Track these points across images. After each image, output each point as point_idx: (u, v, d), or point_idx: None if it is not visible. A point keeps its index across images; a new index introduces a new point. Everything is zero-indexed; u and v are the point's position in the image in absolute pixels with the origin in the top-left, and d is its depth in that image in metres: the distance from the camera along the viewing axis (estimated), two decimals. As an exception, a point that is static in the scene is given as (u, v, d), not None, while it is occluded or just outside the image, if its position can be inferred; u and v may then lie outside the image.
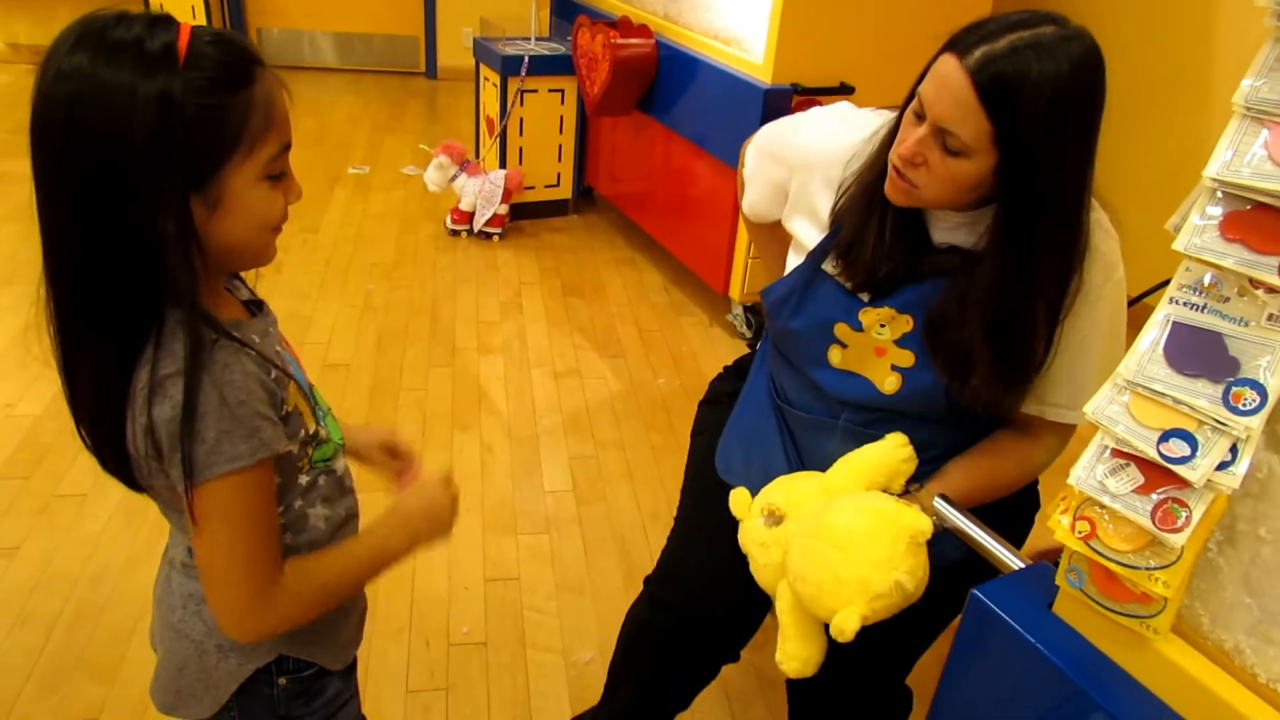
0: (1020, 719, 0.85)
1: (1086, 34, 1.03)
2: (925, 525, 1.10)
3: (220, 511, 0.86)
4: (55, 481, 2.30)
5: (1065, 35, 1.02)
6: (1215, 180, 0.62)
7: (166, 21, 0.80)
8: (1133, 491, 0.71)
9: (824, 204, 1.30)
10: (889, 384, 1.26)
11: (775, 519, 1.22)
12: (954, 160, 1.07)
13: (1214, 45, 3.13)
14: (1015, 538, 1.35)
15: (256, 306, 0.99)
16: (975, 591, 0.88)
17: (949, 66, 1.03)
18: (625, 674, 1.53)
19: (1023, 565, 1.00)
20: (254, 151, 0.83)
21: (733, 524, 1.29)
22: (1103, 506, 0.73)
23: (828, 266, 1.27)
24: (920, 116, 1.08)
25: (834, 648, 1.19)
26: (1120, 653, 0.80)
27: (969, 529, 1.14)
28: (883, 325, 1.24)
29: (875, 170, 1.20)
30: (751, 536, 1.25)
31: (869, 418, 1.29)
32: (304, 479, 0.99)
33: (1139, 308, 1.65)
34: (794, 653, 1.20)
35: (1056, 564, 0.84)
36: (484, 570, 2.14)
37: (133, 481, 0.90)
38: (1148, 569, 0.71)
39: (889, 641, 1.22)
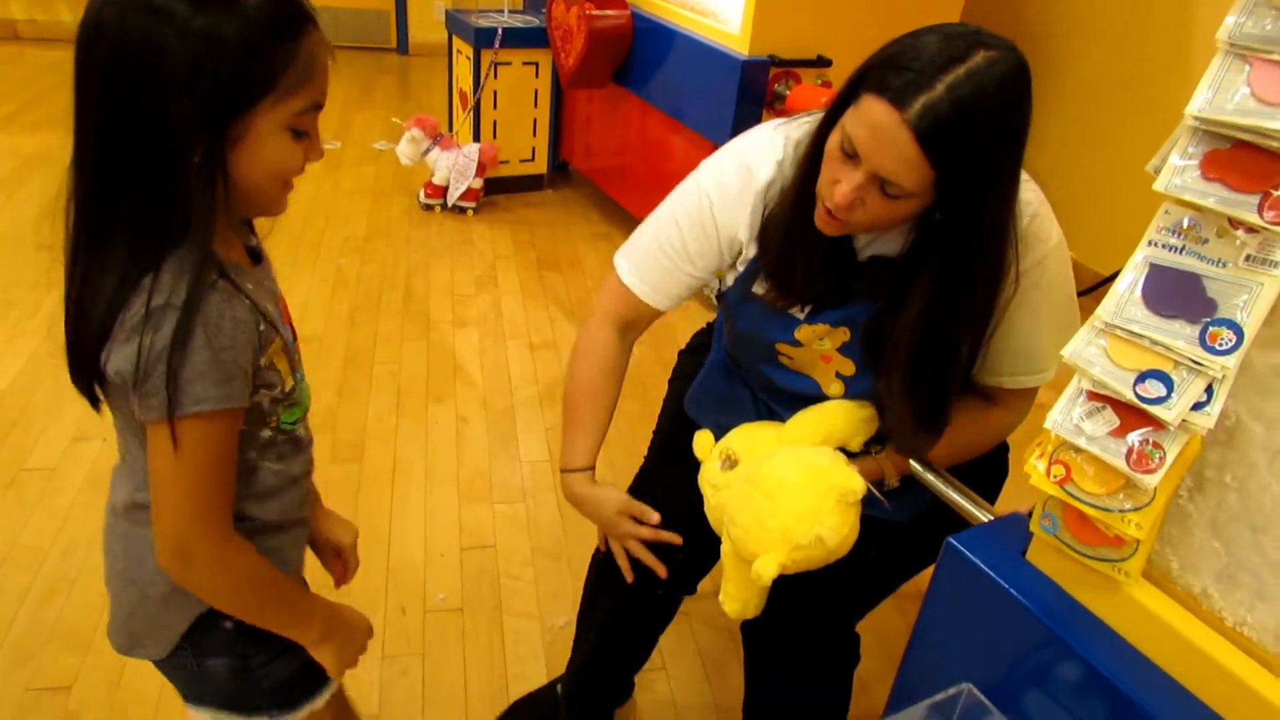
0: (994, 663, 0.86)
1: (1014, 50, 0.99)
2: (856, 485, 1.12)
3: (186, 448, 0.87)
4: (23, 455, 2.27)
5: (993, 59, 0.97)
6: (1197, 118, 0.63)
7: None
8: (1108, 434, 0.72)
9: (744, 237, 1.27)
10: (833, 389, 1.29)
11: (730, 463, 1.26)
12: (894, 202, 1.04)
13: (1190, 42, 3.16)
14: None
15: (257, 256, 1.00)
16: (950, 540, 0.89)
17: (886, 117, 0.97)
18: (591, 615, 1.56)
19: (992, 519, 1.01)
20: (285, 100, 0.86)
21: (695, 464, 1.33)
22: (1078, 450, 0.74)
23: (757, 289, 1.27)
24: (851, 156, 1.03)
25: (785, 594, 1.23)
26: (1092, 598, 0.82)
27: (943, 487, 1.16)
28: (822, 338, 1.25)
29: (798, 197, 1.16)
30: (707, 478, 1.29)
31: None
32: (266, 433, 1.00)
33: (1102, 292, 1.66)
34: (734, 594, 1.23)
35: (1029, 514, 0.86)
36: (460, 539, 2.14)
37: (94, 399, 0.91)
38: (1121, 511, 0.72)
39: (836, 590, 1.26)
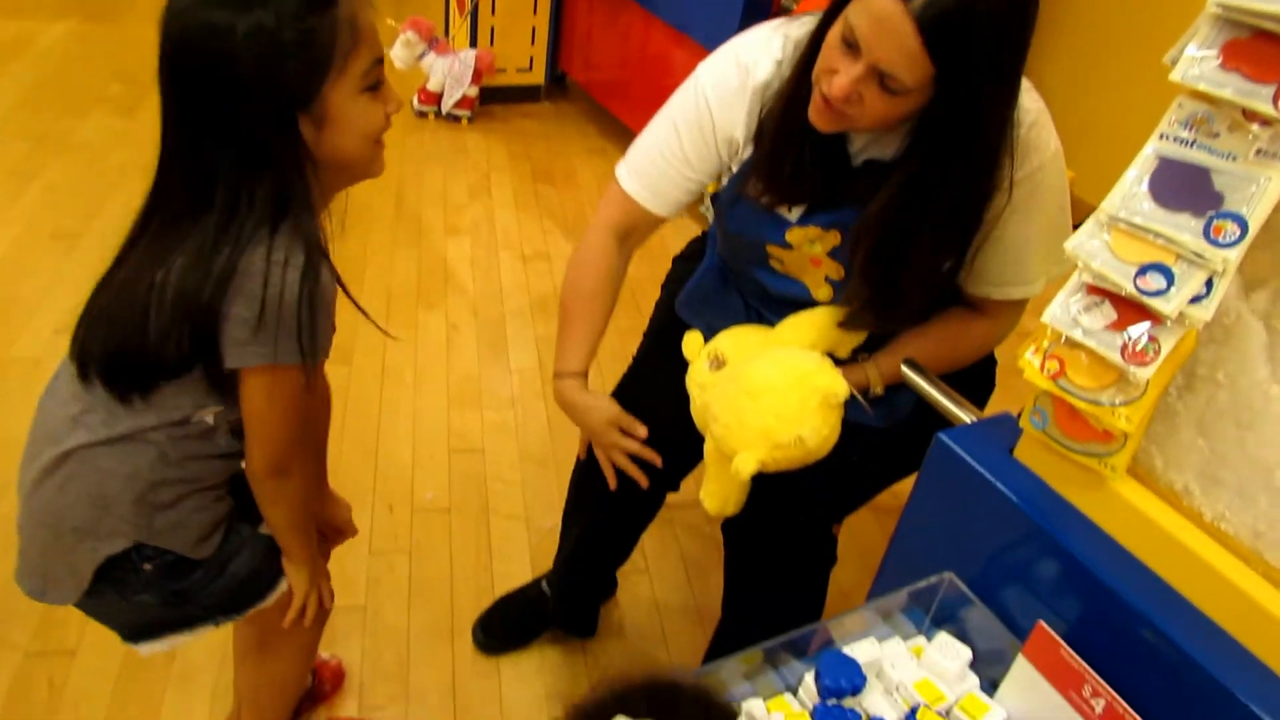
0: (976, 556, 0.89)
1: None
2: (839, 388, 1.14)
3: (281, 391, 0.98)
4: (6, 346, 2.27)
5: None
6: (1220, 5, 0.62)
7: None
8: (1105, 328, 0.72)
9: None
10: (822, 293, 1.29)
11: (718, 363, 1.27)
12: (892, 98, 1.03)
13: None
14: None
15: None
16: (940, 435, 0.90)
17: (891, 8, 0.95)
18: (575, 512, 1.59)
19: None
20: (348, 66, 0.91)
21: (683, 364, 1.34)
22: (1074, 344, 0.75)
23: (750, 189, 1.25)
24: (852, 47, 1.02)
25: (765, 495, 1.25)
26: (1077, 494, 0.84)
27: (932, 391, 1.17)
28: (813, 241, 1.25)
29: (795, 94, 1.14)
30: (694, 378, 1.30)
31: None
32: None
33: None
34: (714, 491, 1.26)
35: (1017, 415, 0.87)
36: (449, 441, 2.16)
37: (149, 379, 0.97)
38: (1112, 405, 0.74)
39: (816, 492, 1.28)
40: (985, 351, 1.33)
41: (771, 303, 1.36)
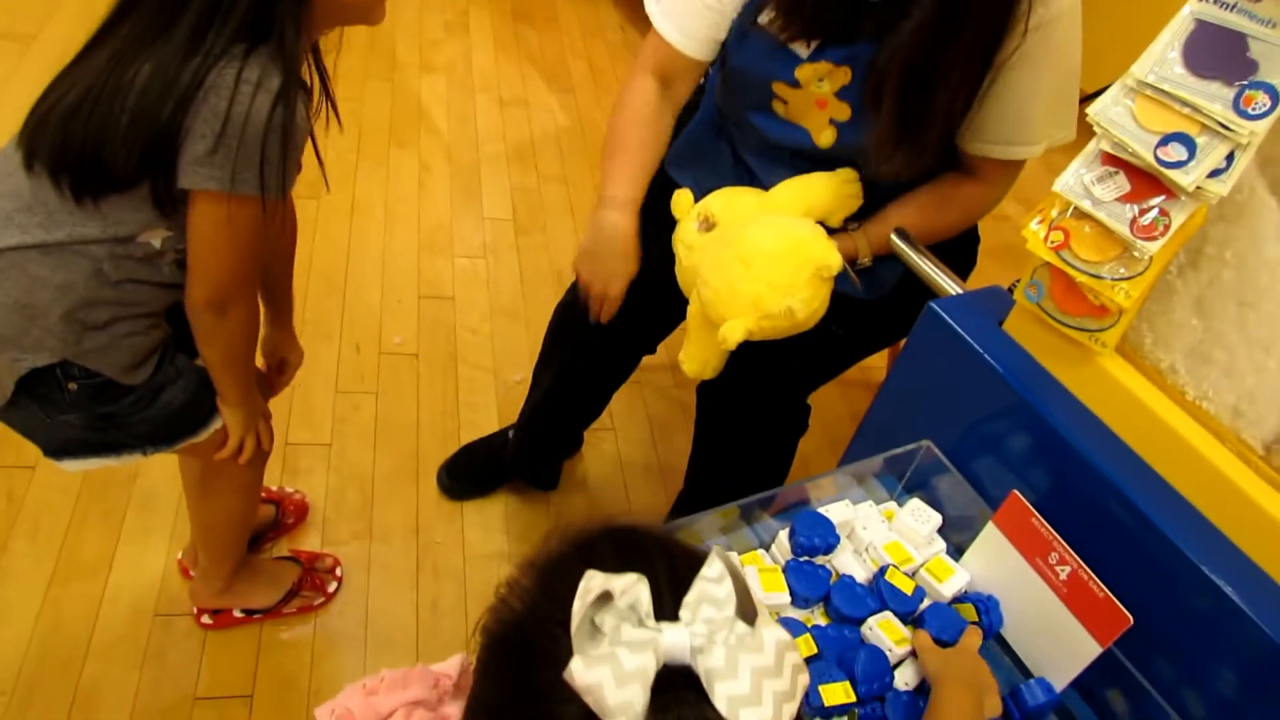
0: (956, 425, 0.89)
1: None
2: (833, 261, 1.11)
3: (231, 218, 0.91)
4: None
5: None
6: None
7: None
8: (1116, 199, 0.70)
9: None
10: (824, 137, 1.23)
11: (708, 225, 1.23)
12: None
13: None
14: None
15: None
16: (931, 304, 0.89)
17: None
18: (548, 361, 1.57)
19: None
20: None
21: (667, 224, 1.30)
22: (1082, 215, 0.73)
23: (762, 19, 1.19)
24: None
25: (744, 360, 1.24)
26: (1062, 369, 0.83)
27: (922, 264, 1.15)
28: (821, 79, 1.19)
29: None
30: (681, 237, 1.27)
31: (807, 167, 1.27)
32: None
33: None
34: (694, 354, 1.24)
35: (1010, 288, 0.86)
36: (418, 287, 2.12)
37: (103, 184, 0.90)
38: (1114, 279, 0.72)
39: (796, 361, 1.27)
40: (976, 218, 1.30)
41: (768, 153, 1.31)
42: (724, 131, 1.38)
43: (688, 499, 1.53)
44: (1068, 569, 0.74)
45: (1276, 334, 0.71)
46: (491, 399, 1.91)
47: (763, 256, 1.13)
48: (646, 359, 1.50)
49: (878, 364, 2.04)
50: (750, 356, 1.22)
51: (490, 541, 1.66)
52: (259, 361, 1.26)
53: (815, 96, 1.21)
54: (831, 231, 1.23)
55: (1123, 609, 0.70)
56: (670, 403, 1.99)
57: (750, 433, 1.38)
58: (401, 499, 1.69)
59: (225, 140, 0.85)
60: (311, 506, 1.64)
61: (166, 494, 1.59)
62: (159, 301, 1.02)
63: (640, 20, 3.36)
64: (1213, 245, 0.74)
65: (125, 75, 0.84)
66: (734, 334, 1.13)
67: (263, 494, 1.53)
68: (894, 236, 1.18)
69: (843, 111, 1.20)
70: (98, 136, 0.86)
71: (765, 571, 0.80)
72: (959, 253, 1.37)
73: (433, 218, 2.33)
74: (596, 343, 1.42)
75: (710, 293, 1.17)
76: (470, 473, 1.73)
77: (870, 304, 1.28)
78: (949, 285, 1.07)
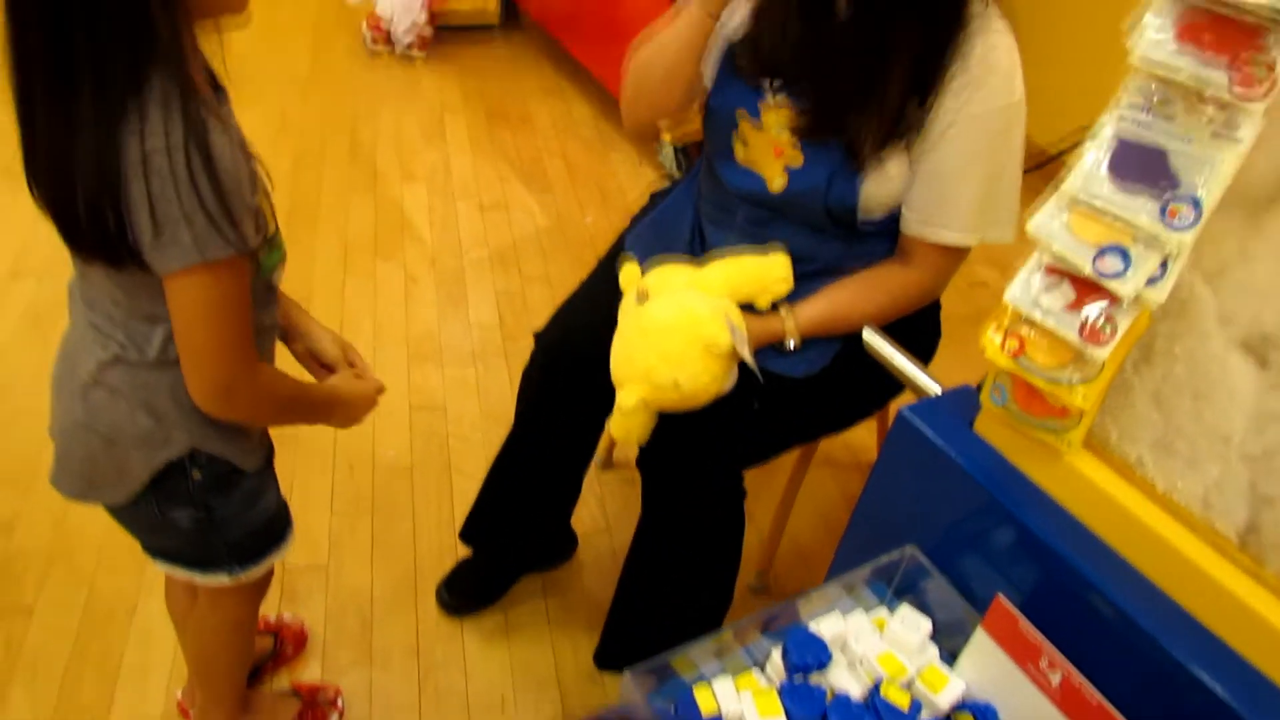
0: (937, 529, 0.89)
1: None
2: (721, 339, 1.17)
3: (203, 295, 0.87)
4: (-49, 298, 2.19)
5: None
6: (1177, -16, 0.61)
7: None
8: (1064, 308, 0.72)
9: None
10: (777, 183, 1.30)
11: (643, 297, 1.28)
12: None
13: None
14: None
15: (220, 89, 0.95)
16: (903, 411, 0.91)
17: None
18: (515, 421, 1.59)
19: (942, 391, 1.03)
20: None
21: (620, 291, 1.37)
22: (1033, 324, 0.75)
23: (738, 55, 1.30)
24: None
25: (674, 433, 1.28)
26: (1035, 468, 0.84)
27: (894, 357, 1.17)
28: (781, 126, 1.27)
29: None
30: (622, 310, 1.33)
31: (762, 215, 1.34)
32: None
33: (1056, 165, 1.66)
34: (618, 420, 1.27)
35: (978, 387, 0.87)
36: (409, 398, 2.14)
37: (118, 259, 0.85)
38: (1069, 383, 0.74)
39: (719, 434, 1.31)
40: (911, 307, 1.34)
41: (725, 208, 1.38)
42: (694, 198, 1.44)
43: (632, 571, 1.50)
44: (1059, 674, 0.74)
45: (1233, 425, 0.72)
46: (487, 507, 1.91)
47: (657, 329, 1.21)
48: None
49: (868, 444, 2.05)
50: (680, 428, 1.28)
51: (492, 658, 1.65)
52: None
53: (774, 142, 1.28)
54: (759, 313, 1.27)
55: (1118, 715, 0.70)
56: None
57: (685, 507, 1.39)
58: (401, 619, 1.68)
59: (161, 216, 0.81)
60: (311, 633, 1.63)
61: (164, 630, 1.59)
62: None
63: (612, 114, 3.47)
64: (1161, 340, 0.75)
65: (64, 155, 0.80)
66: (626, 400, 1.21)
67: (260, 625, 1.53)
68: (866, 332, 1.19)
69: (796, 159, 1.28)
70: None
71: (760, 695, 0.80)
72: (921, 326, 1.40)
73: (420, 327, 2.36)
74: (555, 396, 1.48)
75: (614, 359, 1.26)
76: (469, 587, 1.72)
77: (803, 383, 1.30)
78: (928, 384, 1.08)
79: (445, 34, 3.79)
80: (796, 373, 1.30)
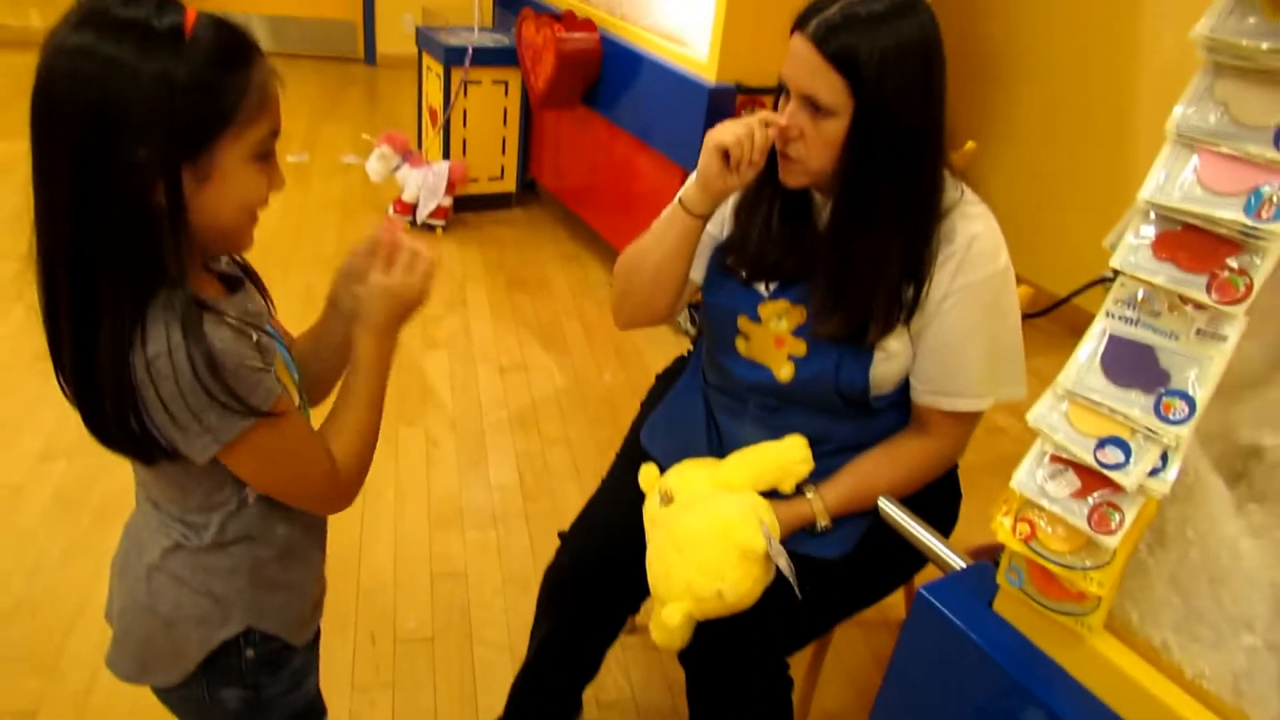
0: (962, 711, 0.88)
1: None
2: (757, 543, 1.18)
3: (264, 453, 0.93)
4: (-15, 476, 2.24)
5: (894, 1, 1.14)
6: (1148, 202, 0.66)
7: (173, 4, 0.83)
8: (1070, 495, 0.74)
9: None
10: (784, 373, 1.33)
11: (667, 499, 1.30)
12: (824, 122, 1.17)
13: (1138, 63, 3.23)
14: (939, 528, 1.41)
15: (238, 282, 1.02)
16: (921, 590, 0.91)
17: (795, 42, 1.16)
18: (540, 621, 1.58)
19: (964, 566, 1.04)
20: (246, 130, 0.87)
21: (641, 491, 1.38)
22: (1042, 509, 0.76)
23: (729, 261, 1.36)
24: (788, 95, 1.20)
25: (715, 627, 1.27)
26: (1057, 649, 0.84)
27: (912, 528, 1.17)
28: (780, 317, 1.31)
29: (765, 168, 1.28)
30: (646, 511, 1.34)
31: (772, 403, 1.37)
32: None
33: (1068, 306, 1.71)
34: (660, 624, 1.26)
35: (995, 562, 0.88)
36: (430, 565, 2.14)
37: (145, 454, 0.91)
38: (1083, 569, 0.75)
39: (763, 627, 1.30)
40: (933, 474, 1.35)
41: (735, 398, 1.41)
42: (700, 383, 1.47)
43: None
44: None
45: (1255, 610, 0.73)
46: (508, 679, 1.87)
47: (692, 543, 1.21)
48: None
49: (897, 600, 2.02)
50: (721, 626, 1.26)
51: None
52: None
53: (774, 334, 1.32)
54: (785, 497, 1.29)
55: None
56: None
57: (732, 696, 1.36)
58: (423, 802, 1.63)
59: (178, 416, 0.86)
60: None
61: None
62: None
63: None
64: (1172, 525, 0.77)
65: (87, 370, 0.86)
66: (672, 618, 1.21)
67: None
68: (883, 503, 1.21)
69: (799, 348, 1.31)
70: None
71: None
72: (940, 492, 1.41)
73: (442, 492, 2.38)
74: (583, 601, 1.47)
75: (652, 577, 1.26)
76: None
77: (836, 563, 1.31)
78: (949, 558, 1.09)
79: (465, 208, 3.97)
80: (830, 554, 1.31)
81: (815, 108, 1.17)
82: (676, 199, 1.33)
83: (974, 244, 1.22)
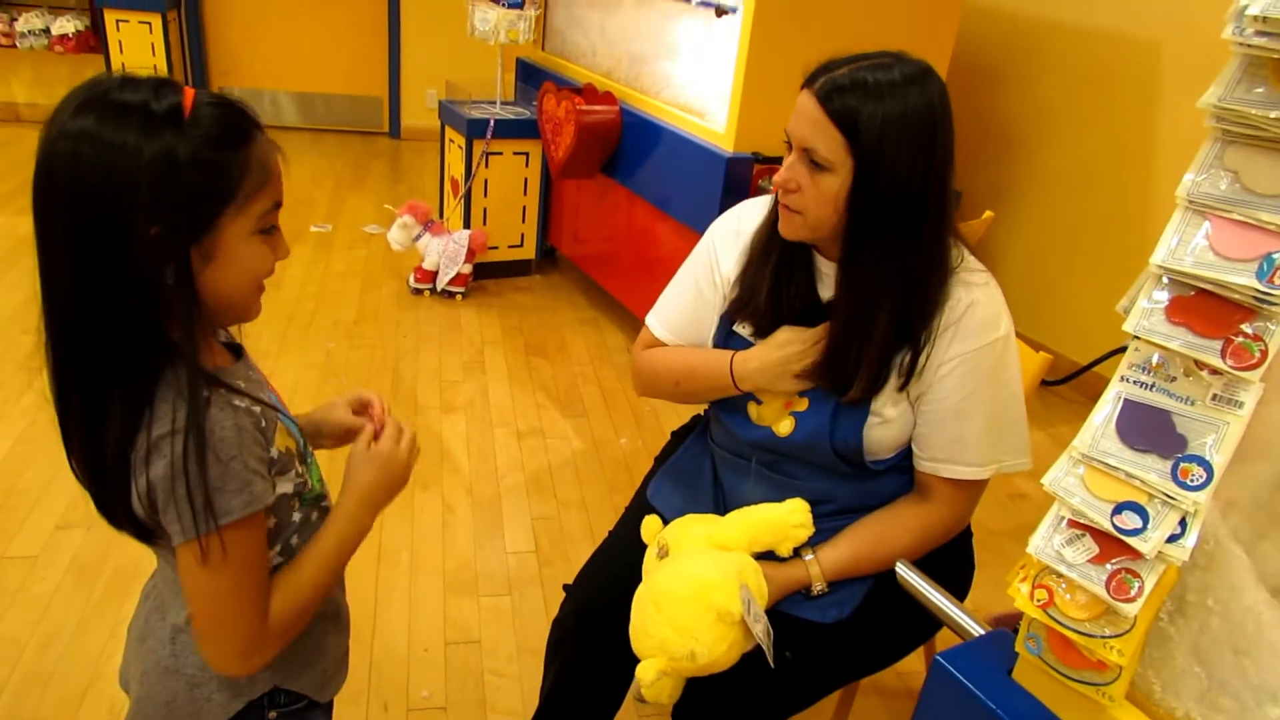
0: (983, 785, 0.86)
1: (921, 64, 1.19)
2: (734, 608, 1.17)
3: (215, 561, 0.89)
4: (4, 542, 2.25)
5: (904, 67, 1.17)
6: (1161, 267, 0.66)
7: (171, 85, 0.86)
8: (1088, 561, 0.73)
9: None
10: (783, 427, 1.34)
11: (663, 553, 1.30)
12: (821, 176, 1.20)
13: (1157, 131, 3.27)
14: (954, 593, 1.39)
15: (236, 350, 1.04)
16: (938, 657, 0.90)
17: (802, 98, 1.21)
18: (546, 674, 1.56)
19: (982, 632, 1.02)
20: (249, 205, 0.89)
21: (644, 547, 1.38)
22: (1060, 575, 0.76)
23: (738, 328, 1.38)
24: (790, 149, 1.23)
25: (709, 688, 1.26)
26: (1077, 719, 0.83)
27: (929, 594, 1.16)
28: None
29: (767, 224, 1.34)
30: (645, 565, 1.34)
31: (773, 459, 1.38)
32: (297, 516, 1.03)
33: (1089, 374, 1.70)
34: (648, 679, 1.24)
35: (1015, 630, 0.87)
36: (444, 633, 2.12)
37: (144, 534, 0.92)
38: (1103, 637, 0.74)
39: (754, 689, 1.29)
40: (936, 542, 1.34)
41: (738, 455, 1.42)
42: (709, 446, 1.48)
43: None
44: None
45: (1279, 681, 0.71)
46: (523, 750, 1.85)
47: (669, 600, 1.21)
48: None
49: (916, 669, 1.99)
50: (716, 685, 1.25)
51: None
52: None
53: (785, 398, 1.30)
54: (781, 560, 1.28)
55: None
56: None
57: None
58: None
59: (156, 498, 0.86)
60: None
61: None
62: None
63: (645, 343, 3.57)
64: (1193, 593, 0.76)
65: (94, 450, 0.88)
66: (646, 674, 1.21)
67: None
68: (900, 568, 1.20)
69: (802, 404, 1.32)
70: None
71: None
72: (955, 558, 1.40)
73: (457, 557, 2.37)
74: (586, 651, 1.46)
75: (631, 631, 1.25)
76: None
77: (833, 628, 1.29)
78: (966, 624, 1.07)
79: (485, 274, 4.02)
80: (827, 619, 1.29)
81: (814, 163, 1.19)
82: (729, 364, 1.35)
83: (972, 310, 1.23)
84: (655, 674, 1.19)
